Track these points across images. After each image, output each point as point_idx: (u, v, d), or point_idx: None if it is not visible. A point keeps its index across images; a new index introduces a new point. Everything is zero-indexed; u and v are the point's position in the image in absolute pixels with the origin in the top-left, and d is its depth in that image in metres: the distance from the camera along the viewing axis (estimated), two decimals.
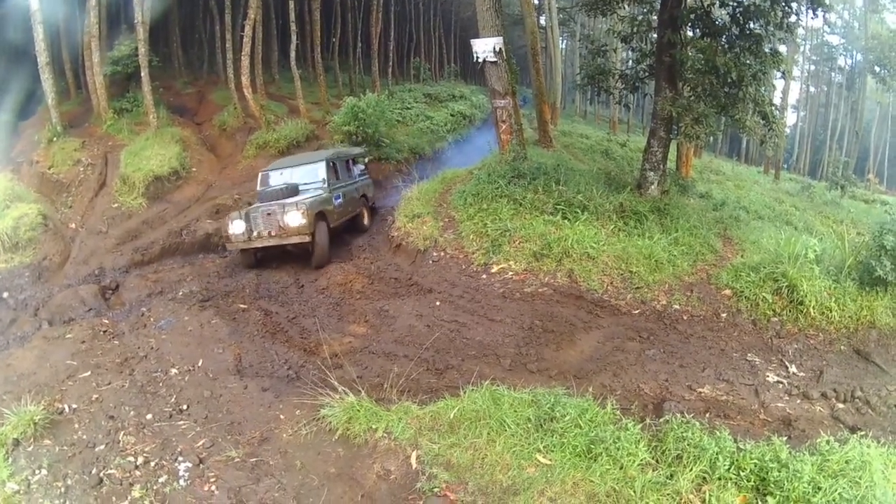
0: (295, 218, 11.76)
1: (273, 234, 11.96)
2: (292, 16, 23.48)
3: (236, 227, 12.06)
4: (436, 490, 4.96)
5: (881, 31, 40.82)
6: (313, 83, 26.38)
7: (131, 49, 19.68)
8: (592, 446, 5.15)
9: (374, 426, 5.65)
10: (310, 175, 13.67)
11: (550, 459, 5.12)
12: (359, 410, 5.83)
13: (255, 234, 12.08)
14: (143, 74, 18.79)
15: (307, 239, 11.87)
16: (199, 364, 7.75)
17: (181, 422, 6.37)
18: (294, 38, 23.27)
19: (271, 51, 29.21)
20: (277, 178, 13.82)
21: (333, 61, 31.84)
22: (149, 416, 6.48)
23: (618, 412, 5.75)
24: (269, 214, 12.02)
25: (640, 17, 14.22)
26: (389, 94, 27.39)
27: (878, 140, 55.83)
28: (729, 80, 12.03)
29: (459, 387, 6.35)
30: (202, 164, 18.06)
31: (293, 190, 13.19)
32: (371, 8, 31.25)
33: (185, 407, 6.70)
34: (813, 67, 58.74)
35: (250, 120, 20.93)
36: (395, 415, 5.78)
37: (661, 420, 5.82)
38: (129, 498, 5.28)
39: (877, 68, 41.69)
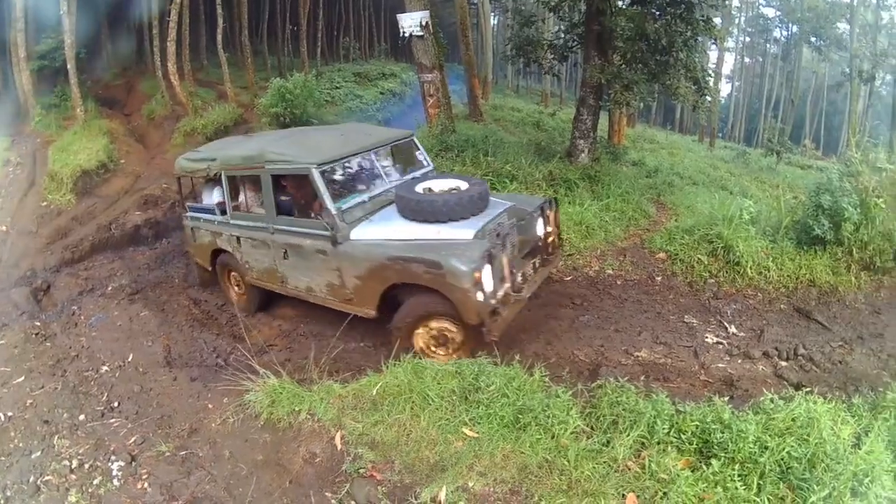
0: (541, 228, 7.73)
1: (539, 264, 7.64)
2: None
3: (487, 279, 6.23)
4: (362, 471, 4.82)
5: (817, 2, 41.60)
6: (242, 67, 26.07)
7: (58, 42, 19.05)
8: (520, 416, 5.02)
9: (296, 408, 5.49)
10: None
11: (478, 432, 4.98)
12: (281, 393, 5.67)
13: (520, 277, 6.99)
14: (70, 67, 18.21)
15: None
16: (129, 359, 7.58)
17: (113, 420, 6.22)
18: (221, 21, 22.72)
19: (199, 36, 28.65)
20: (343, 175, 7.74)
21: (262, 44, 31.56)
22: (82, 417, 6.34)
23: (546, 379, 5.64)
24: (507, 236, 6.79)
25: None
26: (318, 75, 27.14)
27: (815, 108, 57.45)
28: (659, 46, 12.12)
29: (382, 363, 6.17)
30: (130, 156, 17.58)
31: (481, 198, 7.15)
32: None
33: (116, 404, 6.55)
34: (748, 39, 60.10)
35: (178, 107, 20.48)
36: (318, 395, 5.62)
37: (594, 385, 5.72)
38: (66, 503, 5.14)
39: (812, 39, 42.67)
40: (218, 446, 5.55)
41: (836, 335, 7.87)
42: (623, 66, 12.82)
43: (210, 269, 9.48)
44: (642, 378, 6.22)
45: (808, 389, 5.63)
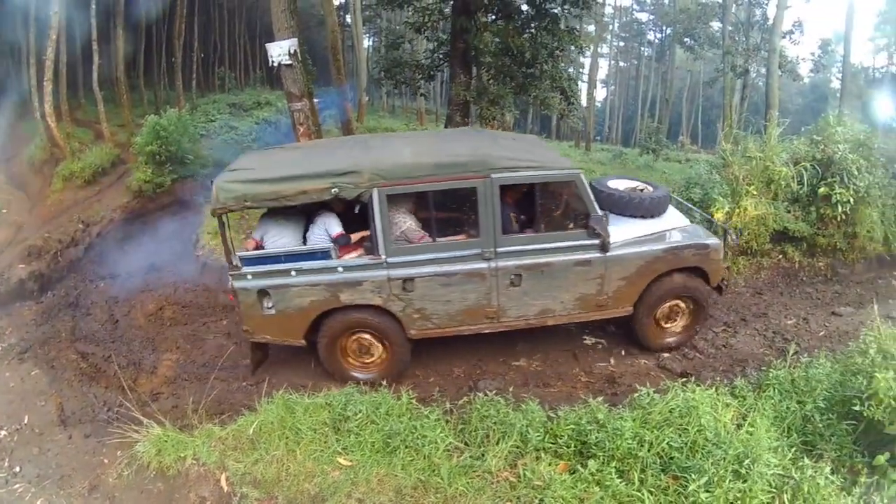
0: None
1: None
2: (94, 34, 21.90)
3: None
4: None
5: (689, 4, 43.45)
6: (120, 104, 25.06)
7: None
8: (389, 440, 5.27)
9: (182, 454, 5.59)
10: None
11: (351, 460, 5.21)
12: (166, 441, 5.76)
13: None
14: None
15: None
16: (26, 421, 7.42)
17: (17, 485, 6.14)
18: (96, 57, 21.94)
19: (77, 73, 27.62)
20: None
21: (139, 79, 30.76)
22: None
23: (415, 401, 5.92)
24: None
25: (432, 6, 14.60)
26: (192, 108, 26.46)
27: (691, 105, 60.28)
28: (525, 59, 12.57)
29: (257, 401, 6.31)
30: (11, 205, 16.86)
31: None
32: (174, 19, 30.01)
33: (18, 469, 6.44)
34: (622, 44, 62.40)
35: (57, 150, 19.60)
36: (200, 439, 5.74)
37: (462, 402, 6.03)
38: None
39: (686, 39, 44.44)
40: (117, 500, 5.61)
41: (719, 320, 8.41)
42: (490, 81, 13.23)
43: (303, 341, 7.22)
44: (511, 389, 6.46)
45: (685, 379, 6.08)
